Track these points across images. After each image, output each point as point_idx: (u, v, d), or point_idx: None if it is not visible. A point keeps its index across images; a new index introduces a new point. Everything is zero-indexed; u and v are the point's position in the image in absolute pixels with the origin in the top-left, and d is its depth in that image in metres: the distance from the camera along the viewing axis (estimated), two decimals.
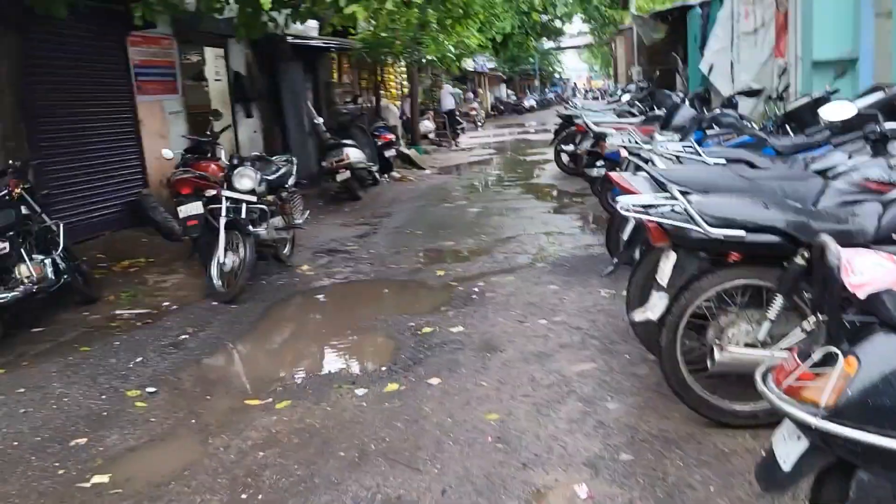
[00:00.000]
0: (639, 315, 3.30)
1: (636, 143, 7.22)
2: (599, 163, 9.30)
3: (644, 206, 3.25)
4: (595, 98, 23.81)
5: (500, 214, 9.50)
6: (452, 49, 16.80)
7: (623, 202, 3.29)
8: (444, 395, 4.00)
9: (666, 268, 3.19)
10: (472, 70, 40.94)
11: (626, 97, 14.26)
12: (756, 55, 10.17)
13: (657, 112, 10.81)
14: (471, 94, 39.00)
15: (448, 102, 21.74)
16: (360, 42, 14.75)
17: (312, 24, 14.30)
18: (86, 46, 8.25)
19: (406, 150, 16.00)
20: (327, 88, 15.67)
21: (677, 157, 5.25)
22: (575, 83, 71.61)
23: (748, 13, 10.16)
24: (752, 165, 4.99)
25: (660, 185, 3.47)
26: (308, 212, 7.96)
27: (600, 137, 9.30)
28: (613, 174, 4.00)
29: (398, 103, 19.05)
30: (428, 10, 15.33)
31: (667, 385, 3.37)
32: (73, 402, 4.23)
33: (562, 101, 58.38)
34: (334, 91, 15.80)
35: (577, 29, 58.14)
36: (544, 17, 45.22)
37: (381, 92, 18.30)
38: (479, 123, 32.99)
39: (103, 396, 4.31)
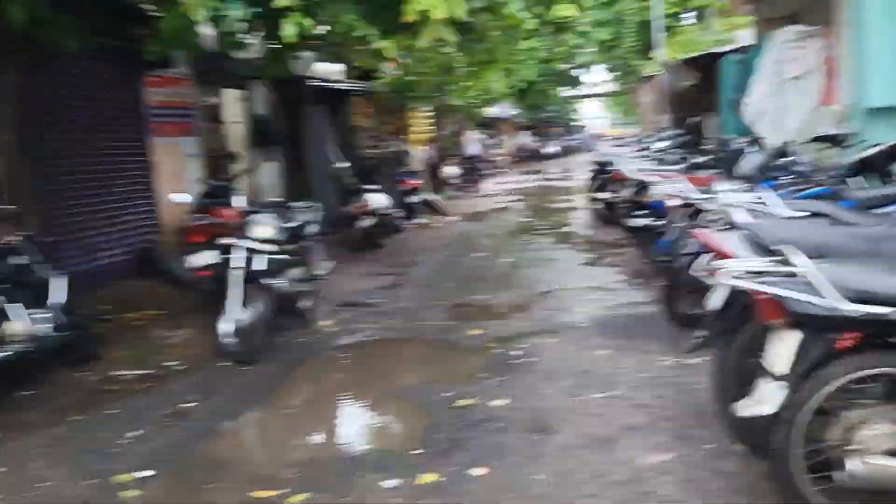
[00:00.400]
0: (747, 409, 2.63)
1: (694, 193, 6.63)
2: (641, 212, 8.72)
3: (750, 273, 2.62)
4: (621, 145, 23.28)
5: (534, 266, 8.88)
6: (477, 94, 16.42)
7: (726, 268, 2.66)
8: (490, 491, 3.33)
9: (783, 351, 2.53)
10: (496, 116, 40.88)
11: (660, 144, 13.70)
12: (803, 102, 9.60)
13: (699, 159, 10.26)
14: (494, 140, 38.81)
15: (472, 148, 21.35)
16: (385, 85, 14.39)
17: (337, 67, 14.03)
18: (99, 85, 7.85)
19: (431, 197, 15.51)
20: (351, 132, 15.30)
21: (748, 209, 4.63)
22: (597, 131, 71.51)
23: (794, 59, 9.62)
24: (836, 220, 4.36)
25: (763, 246, 2.84)
26: (333, 262, 7.39)
27: (642, 186, 8.74)
28: (700, 231, 3.38)
29: (423, 148, 18.66)
30: (454, 55, 15.04)
31: (776, 493, 2.70)
32: (53, 490, 3.61)
33: (585, 148, 58.18)
34: (358, 135, 15.42)
35: (598, 78, 58.51)
36: (565, 66, 45.50)
37: (405, 137, 17.93)
38: (503, 169, 32.64)
39: (89, 481, 3.68)
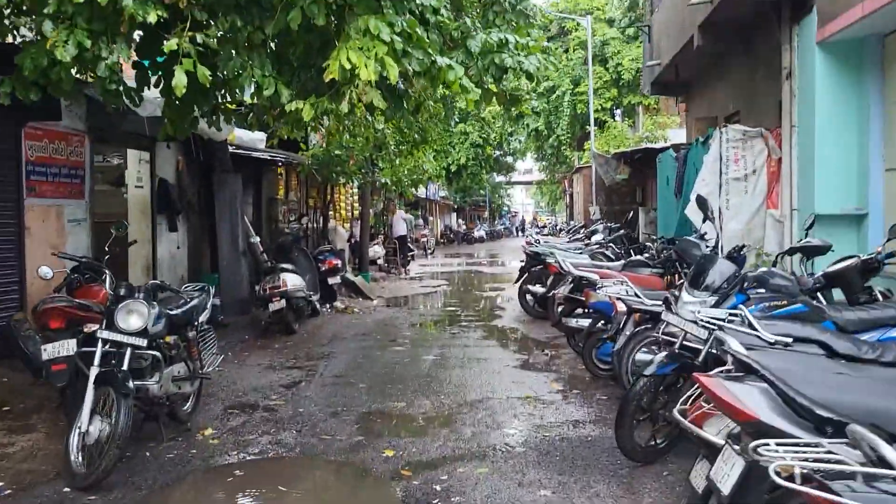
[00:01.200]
0: None
1: (652, 302, 5.90)
2: (580, 312, 7.99)
3: (795, 453, 1.76)
4: (551, 234, 23.04)
5: (460, 366, 7.93)
6: (408, 174, 15.76)
7: (769, 452, 1.80)
8: None
9: None
10: (424, 197, 40.58)
11: (597, 237, 13.22)
12: (747, 202, 9.24)
13: (639, 257, 9.69)
14: (422, 221, 38.35)
15: (400, 228, 20.59)
16: (310, 157, 13.54)
17: (259, 136, 13.13)
18: None
19: (352, 278, 14.53)
20: (270, 205, 14.29)
21: (718, 327, 3.87)
22: (524, 217, 72.68)
23: (738, 157, 9.30)
24: (829, 350, 3.64)
25: (801, 409, 1.99)
26: (222, 356, 6.29)
27: (584, 284, 8.03)
28: (705, 379, 2.51)
29: (347, 225, 17.76)
30: (386, 131, 14.41)
31: None
32: None
33: (512, 233, 58.53)
34: (279, 208, 14.42)
35: (525, 167, 59.69)
36: (497, 153, 46.07)
37: (330, 213, 17.02)
38: (430, 251, 32.02)
39: None
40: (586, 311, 7.93)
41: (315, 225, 15.13)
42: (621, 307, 6.01)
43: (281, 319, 9.99)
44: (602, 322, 7.15)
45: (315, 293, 11.31)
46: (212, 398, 6.56)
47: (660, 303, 5.95)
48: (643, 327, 5.98)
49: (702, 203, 5.57)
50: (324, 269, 12.30)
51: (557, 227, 35.09)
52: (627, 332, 6.02)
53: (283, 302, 9.84)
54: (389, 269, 20.67)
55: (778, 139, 9.04)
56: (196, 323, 5.77)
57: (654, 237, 12.27)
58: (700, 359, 4.32)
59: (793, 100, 8.59)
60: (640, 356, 5.54)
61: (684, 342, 4.47)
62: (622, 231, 12.43)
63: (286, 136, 12.96)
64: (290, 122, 5.21)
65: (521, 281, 11.40)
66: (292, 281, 10.11)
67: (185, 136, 6.76)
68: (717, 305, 4.39)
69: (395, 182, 15.81)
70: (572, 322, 7.72)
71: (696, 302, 4.42)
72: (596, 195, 22.14)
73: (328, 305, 12.27)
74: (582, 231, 17.48)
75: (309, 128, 14.78)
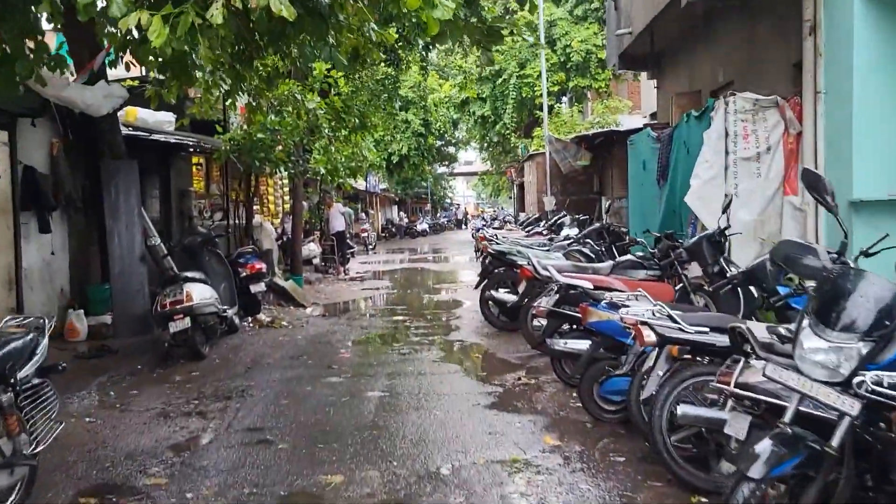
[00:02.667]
0: None
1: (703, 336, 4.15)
2: (572, 332, 6.22)
3: None
4: (500, 227, 21.32)
5: (416, 407, 6.04)
6: (345, 161, 13.75)
7: None
8: None
9: None
10: (364, 189, 38.46)
11: (567, 231, 11.49)
12: (759, 188, 7.61)
13: (628, 257, 7.98)
14: (363, 215, 36.25)
15: (338, 223, 18.54)
16: (228, 142, 11.41)
17: (166, 116, 10.99)
18: None
19: (282, 283, 12.47)
20: (183, 199, 12.11)
21: None
22: (465, 209, 71.25)
23: (748, 133, 7.67)
24: None
25: None
26: (61, 424, 4.24)
27: (574, 294, 6.25)
28: None
29: (277, 221, 15.62)
30: (319, 112, 12.40)
31: None
32: None
33: (456, 225, 56.85)
34: (192, 202, 12.23)
35: (466, 158, 58.01)
36: (439, 142, 44.24)
37: (256, 207, 14.87)
38: (371, 246, 29.98)
39: None
40: (577, 328, 6.18)
41: (237, 222, 12.98)
42: (648, 336, 4.23)
43: (186, 342, 7.92)
44: (605, 347, 5.40)
45: (232, 305, 9.25)
46: (61, 475, 4.53)
47: (708, 330, 4.21)
48: (684, 365, 4.23)
49: (814, 181, 3.68)
50: (244, 274, 10.22)
51: (504, 220, 33.49)
52: (660, 372, 4.25)
53: (188, 320, 7.77)
54: (327, 268, 18.61)
55: (797, 110, 7.45)
56: (14, 379, 3.74)
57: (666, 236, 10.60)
58: (836, 440, 2.58)
59: (818, 60, 6.97)
60: (686, 410, 3.76)
61: (804, 409, 2.72)
62: (599, 224, 10.70)
63: (199, 117, 10.93)
64: (144, 55, 3.20)
65: (482, 286, 9.56)
66: (200, 293, 8.05)
67: (13, 93, 4.67)
68: (873, 357, 2.62)
69: (330, 171, 13.78)
70: (560, 344, 5.93)
71: (834, 349, 2.63)
72: (551, 184, 20.52)
73: (250, 319, 10.21)
74: (541, 224, 15.77)
75: (229, 107, 12.65)
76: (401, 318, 11.03)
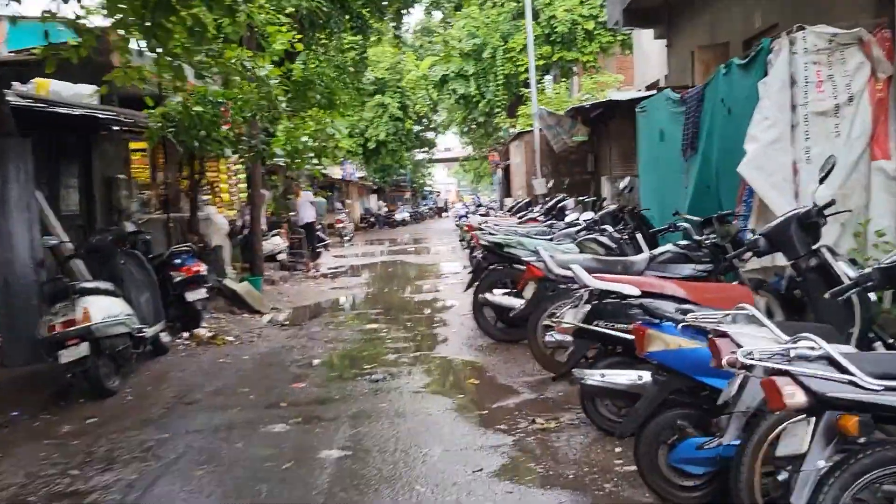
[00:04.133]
0: None
1: None
2: (618, 361, 4.35)
3: None
4: (485, 213, 19.43)
5: (389, 477, 4.12)
6: (308, 141, 11.74)
7: None
8: None
9: None
10: (340, 178, 36.39)
11: (572, 216, 9.59)
12: (840, 151, 5.75)
13: (668, 248, 6.10)
14: (338, 205, 34.23)
15: (306, 214, 16.57)
16: (159, 118, 9.38)
17: (85, 89, 9.03)
18: None
19: (233, 285, 10.48)
20: (111, 188, 10.08)
21: None
22: (446, 198, 69.32)
23: (821, 79, 5.81)
24: None
25: None
26: None
27: (615, 305, 4.37)
28: None
29: (234, 213, 13.60)
30: (271, 80, 10.42)
31: None
32: None
33: (438, 213, 54.96)
34: (121, 192, 10.20)
35: (445, 144, 55.92)
36: (417, 127, 42.21)
37: (207, 197, 12.85)
38: (347, 238, 28.04)
39: None
40: (613, 348, 4.34)
41: (174, 214, 10.93)
42: (793, 395, 2.34)
43: (86, 374, 5.96)
44: (675, 390, 3.54)
45: (158, 320, 7.27)
46: None
47: None
48: (862, 448, 2.36)
49: None
50: (178, 279, 8.26)
51: (488, 207, 31.59)
52: (820, 460, 2.37)
53: (85, 346, 5.82)
54: (295, 265, 16.63)
55: (887, 46, 5.63)
56: None
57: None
58: None
59: None
60: None
61: None
62: (616, 205, 8.78)
63: (120, 85, 8.88)
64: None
65: (475, 287, 7.64)
66: (102, 308, 6.09)
67: None
68: None
69: (290, 154, 11.79)
70: (597, 379, 4.05)
71: None
72: (541, 165, 18.64)
73: (186, 334, 8.24)
74: (534, 210, 13.89)
75: (174, 79, 10.63)
76: (376, 325, 9.10)
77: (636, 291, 4.37)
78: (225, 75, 10.22)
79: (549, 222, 11.21)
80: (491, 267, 7.54)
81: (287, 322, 9.54)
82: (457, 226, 33.77)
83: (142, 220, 9.66)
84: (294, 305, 11.27)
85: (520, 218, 13.62)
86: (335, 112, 17.06)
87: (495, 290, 7.47)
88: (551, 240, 8.75)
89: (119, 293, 6.46)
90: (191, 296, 8.37)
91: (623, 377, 3.99)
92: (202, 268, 8.53)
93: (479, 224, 12.58)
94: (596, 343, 4.49)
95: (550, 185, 16.23)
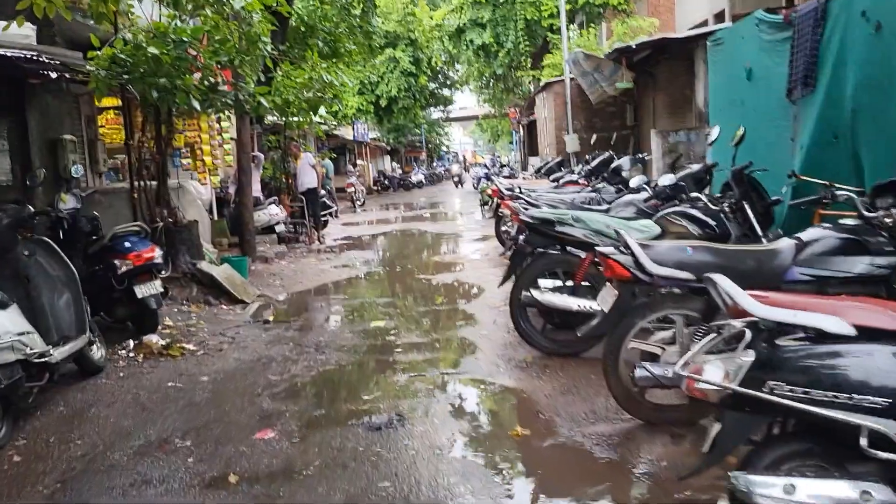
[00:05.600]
0: None
1: None
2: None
3: None
4: (509, 175, 17.26)
5: None
6: (297, 91, 9.64)
7: None
8: None
9: None
10: (352, 139, 34.22)
11: (638, 180, 7.45)
12: None
13: (830, 233, 4.02)
14: (349, 167, 32.16)
15: (308, 178, 14.50)
16: (104, 64, 7.33)
17: (23, 31, 7.03)
18: None
19: (209, 269, 8.52)
20: (54, 152, 8.12)
21: None
22: (463, 156, 66.79)
23: None
24: None
25: None
26: None
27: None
28: None
29: (217, 180, 11.58)
30: (253, 18, 8.41)
31: None
32: None
33: (455, 176, 52.81)
34: (70, 158, 8.22)
35: (461, 102, 53.16)
36: (432, 84, 39.71)
37: (184, 161, 10.85)
38: (359, 202, 26.01)
39: None
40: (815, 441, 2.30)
41: (142, 183, 8.91)
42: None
43: None
44: None
45: (80, 332, 5.30)
46: None
47: None
48: None
49: None
50: (124, 270, 6.31)
51: (510, 167, 29.36)
52: None
53: None
54: (297, 237, 14.67)
55: None
56: None
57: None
58: None
59: None
60: None
61: None
62: (701, 165, 6.60)
63: (43, 15, 6.78)
64: None
65: (513, 279, 5.59)
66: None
67: None
68: None
69: (278, 106, 9.73)
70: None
71: None
72: (572, 119, 16.43)
73: (132, 344, 6.30)
74: (571, 171, 11.80)
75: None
76: (383, 323, 7.10)
77: (847, 329, 2.33)
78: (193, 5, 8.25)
79: (596, 186, 9.14)
80: (536, 252, 5.50)
81: (271, 318, 7.57)
82: (477, 189, 31.65)
83: (87, 191, 7.65)
84: (288, 290, 9.32)
85: (555, 181, 11.51)
86: (340, 62, 14.96)
87: (542, 284, 5.46)
88: (607, 211, 6.72)
89: (9, 302, 4.50)
90: (141, 290, 6.41)
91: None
92: (155, 253, 6.54)
93: (506, 188, 10.55)
94: (766, 418, 2.47)
95: (593, 139, 13.95)
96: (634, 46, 11.98)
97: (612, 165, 8.26)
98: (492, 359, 5.56)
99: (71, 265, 5.31)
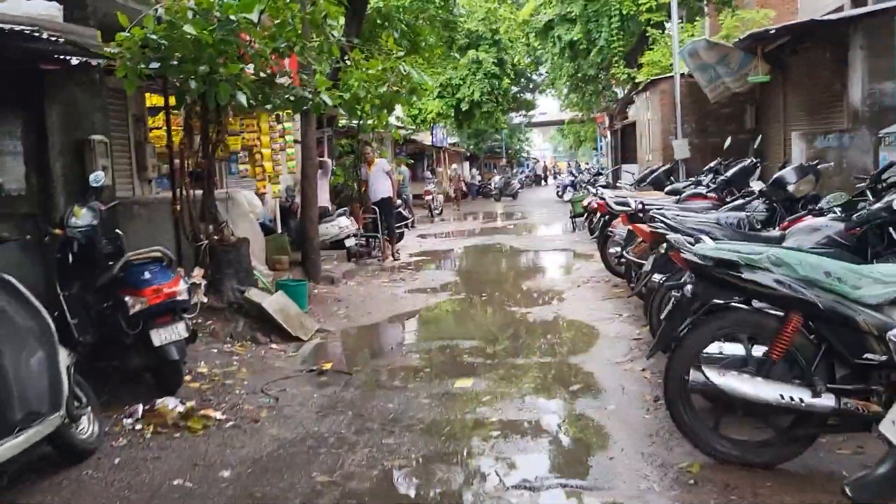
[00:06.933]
0: None
1: None
2: None
3: None
4: (607, 185, 15.25)
5: None
6: (370, 86, 8.09)
7: None
8: None
9: None
10: (430, 144, 32.80)
11: (829, 201, 5.44)
12: None
13: None
14: (428, 173, 30.79)
15: (381, 187, 12.98)
16: (132, 47, 5.93)
17: (49, 9, 5.86)
18: None
19: (260, 298, 7.01)
20: (78, 157, 6.79)
21: None
22: (545, 164, 64.59)
23: None
24: None
25: None
26: None
27: None
28: None
29: (277, 189, 10.15)
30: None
31: None
32: None
33: (536, 181, 50.79)
34: (100, 163, 6.89)
35: (542, 108, 51.03)
36: (515, 88, 37.91)
37: (246, 167, 9.46)
38: (437, 211, 24.50)
39: None
40: None
41: (184, 193, 7.49)
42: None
43: None
44: None
45: (54, 407, 3.80)
46: None
47: None
48: None
49: None
50: (136, 310, 4.84)
51: (595, 174, 27.26)
52: None
53: None
54: (370, 251, 13.20)
55: None
56: None
57: None
58: None
59: None
60: None
61: None
62: None
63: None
64: None
65: (671, 346, 3.78)
66: None
67: None
68: None
69: (348, 104, 8.21)
70: None
71: None
72: (682, 122, 14.37)
73: (144, 408, 4.79)
74: (698, 182, 9.86)
75: None
76: (469, 385, 5.36)
77: None
78: None
79: (735, 202, 7.19)
80: (706, 308, 3.67)
81: (328, 366, 5.98)
82: (559, 196, 29.62)
83: (112, 202, 6.25)
84: (351, 324, 7.75)
85: (674, 194, 9.58)
86: (419, 56, 13.43)
87: (717, 350, 3.65)
88: (781, 240, 4.88)
89: None
90: (159, 336, 4.93)
91: None
92: (178, 287, 5.05)
93: (617, 202, 8.72)
94: None
95: (687, 149, 11.90)
96: (774, 31, 9.92)
97: (775, 176, 6.30)
98: (635, 463, 3.77)
99: (44, 313, 3.82)
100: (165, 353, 4.95)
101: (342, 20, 12.43)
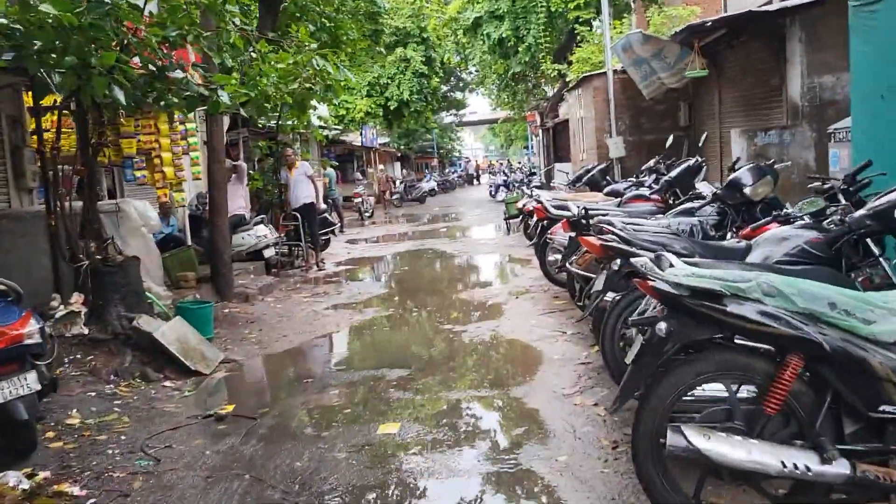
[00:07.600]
0: None
1: None
2: None
3: None
4: (541, 186, 14.62)
5: None
6: (279, 82, 7.17)
7: None
8: None
9: None
10: (360, 144, 31.77)
11: (820, 204, 4.75)
12: None
13: None
14: (358, 174, 29.76)
15: (304, 192, 12.00)
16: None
17: None
18: None
19: (151, 327, 6.02)
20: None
21: None
22: (476, 163, 64.38)
23: None
24: None
25: None
26: None
27: None
28: None
29: (183, 197, 9.08)
30: None
31: None
32: None
33: (468, 181, 50.37)
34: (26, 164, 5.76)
35: (472, 107, 50.64)
36: (445, 87, 37.35)
37: (140, 174, 8.36)
38: (367, 214, 23.61)
39: None
40: None
41: (59, 206, 6.40)
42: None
43: None
44: None
45: None
46: None
47: None
48: None
49: None
50: None
51: (528, 174, 26.87)
52: None
53: None
54: (292, 261, 12.20)
55: None
56: None
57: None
58: None
59: None
60: None
61: None
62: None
63: None
64: None
65: (638, 402, 3.05)
66: None
67: None
68: None
69: (254, 102, 7.26)
70: None
71: None
72: (616, 119, 13.89)
73: None
74: (639, 184, 9.30)
75: None
76: (395, 431, 4.52)
77: None
78: None
79: (682, 205, 6.58)
80: (682, 347, 2.94)
81: (228, 410, 5.05)
82: (492, 195, 29.08)
83: None
84: (261, 350, 6.82)
85: (614, 195, 8.97)
86: (341, 52, 12.49)
87: (697, 396, 2.94)
88: (746, 253, 4.28)
89: None
90: (2, 392, 3.93)
91: None
92: (26, 329, 4.05)
93: (555, 206, 8.05)
94: None
95: (622, 147, 11.42)
96: (710, 24, 9.43)
97: (730, 178, 5.71)
98: None
99: None
100: (11, 412, 3.95)
101: (255, 9, 11.42)
